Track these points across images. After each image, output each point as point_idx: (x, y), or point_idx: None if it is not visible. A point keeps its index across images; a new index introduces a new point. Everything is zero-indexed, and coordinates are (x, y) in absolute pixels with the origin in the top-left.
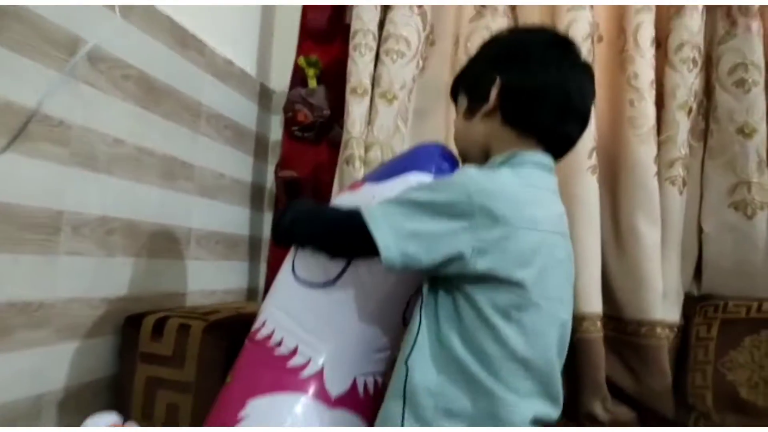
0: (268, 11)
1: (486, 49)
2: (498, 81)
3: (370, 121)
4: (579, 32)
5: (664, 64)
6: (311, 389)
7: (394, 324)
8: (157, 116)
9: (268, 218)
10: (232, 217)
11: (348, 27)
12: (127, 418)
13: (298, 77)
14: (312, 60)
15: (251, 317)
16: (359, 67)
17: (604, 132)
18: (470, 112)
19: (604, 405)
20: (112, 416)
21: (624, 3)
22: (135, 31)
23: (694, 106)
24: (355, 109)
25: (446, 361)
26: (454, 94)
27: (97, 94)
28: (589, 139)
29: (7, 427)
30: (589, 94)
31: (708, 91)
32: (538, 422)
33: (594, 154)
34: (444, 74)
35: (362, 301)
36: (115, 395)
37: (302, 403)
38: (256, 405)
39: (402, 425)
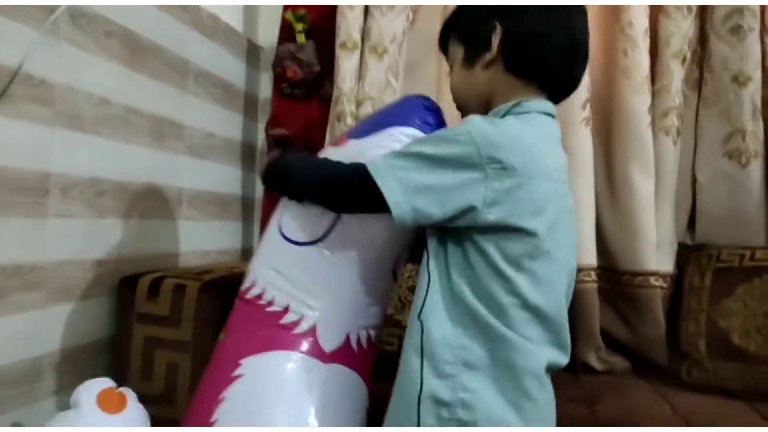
0: None
1: None
2: (499, 28)
3: (360, 76)
4: None
5: (658, 12)
6: (304, 346)
7: (385, 278)
8: (143, 75)
9: (259, 177)
10: (224, 177)
11: None
12: (125, 379)
13: (286, 32)
14: (300, 14)
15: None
16: (348, 20)
17: (598, 83)
18: (469, 62)
19: (599, 355)
20: (105, 381)
21: None
22: None
23: (689, 55)
24: (345, 64)
25: (460, 312)
26: (444, 44)
27: (79, 52)
28: (582, 90)
29: (9, 388)
30: (588, 36)
31: (702, 38)
32: (550, 369)
33: (588, 106)
34: (434, 26)
35: (352, 256)
36: (114, 356)
37: (296, 359)
38: (250, 364)
39: (422, 381)
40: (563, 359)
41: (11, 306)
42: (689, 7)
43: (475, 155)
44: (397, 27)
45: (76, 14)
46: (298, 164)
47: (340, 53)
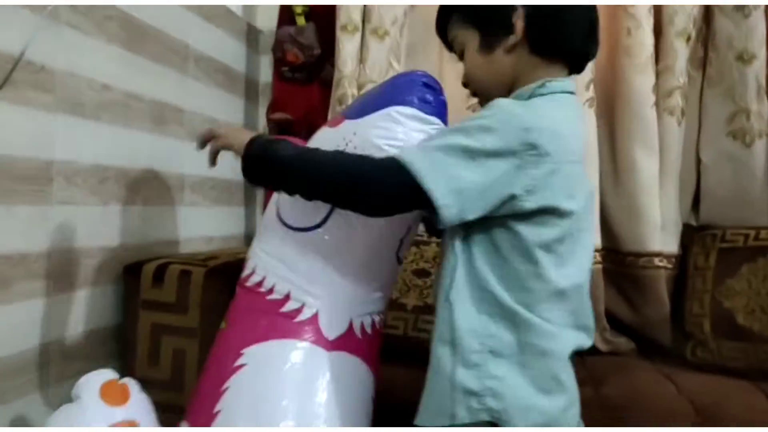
0: None
1: None
2: (521, 10)
3: (361, 59)
4: None
5: None
6: (307, 334)
7: (389, 262)
8: (144, 59)
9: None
10: (226, 163)
11: None
12: (132, 366)
13: (286, 15)
14: None
15: None
16: (349, 2)
17: (601, 63)
18: (487, 47)
19: (603, 336)
20: (107, 373)
21: None
22: None
23: (693, 33)
24: (346, 47)
25: (485, 299)
26: (442, 30)
27: (79, 37)
28: (586, 71)
29: (15, 377)
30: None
31: (707, 16)
32: (577, 352)
33: (591, 86)
34: (436, 7)
35: (352, 241)
36: (120, 343)
37: (299, 348)
38: (253, 353)
39: (453, 372)
40: (587, 342)
41: (18, 294)
42: None
43: (512, 143)
44: (398, 8)
45: None
46: (294, 156)
47: (340, 36)
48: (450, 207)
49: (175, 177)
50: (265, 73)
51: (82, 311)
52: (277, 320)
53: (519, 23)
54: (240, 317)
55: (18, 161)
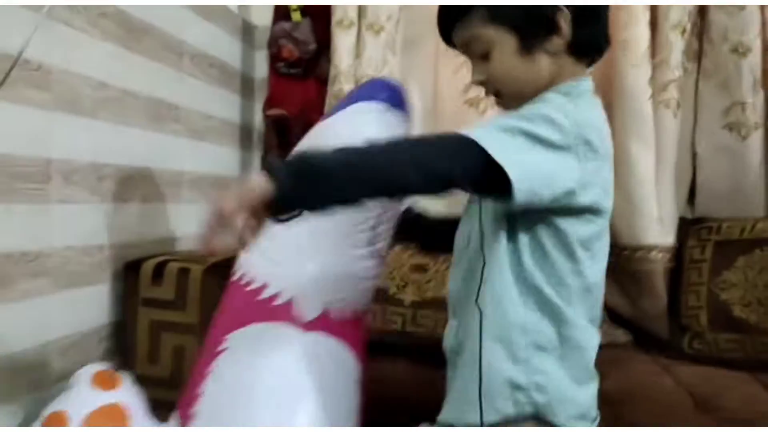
0: None
1: None
2: (566, 10)
3: (357, 54)
4: None
5: None
6: (284, 316)
7: (362, 249)
8: (139, 56)
9: (258, 159)
10: (223, 159)
11: None
12: (132, 363)
13: (281, 11)
14: None
15: None
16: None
17: None
18: (527, 50)
19: (601, 328)
20: (103, 365)
21: None
22: None
23: (689, 26)
24: (342, 42)
25: (531, 295)
26: (452, 26)
27: (74, 34)
28: None
29: (16, 375)
30: None
31: (702, 9)
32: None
33: None
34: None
35: (322, 231)
36: (120, 341)
37: (276, 329)
38: (234, 338)
39: (501, 367)
40: (598, 336)
41: (19, 293)
42: None
43: (570, 138)
44: (393, 4)
45: None
46: (341, 161)
47: (336, 31)
48: (521, 188)
49: (173, 174)
50: (261, 69)
51: (83, 309)
52: (256, 307)
53: (565, 24)
54: (225, 310)
55: (17, 160)
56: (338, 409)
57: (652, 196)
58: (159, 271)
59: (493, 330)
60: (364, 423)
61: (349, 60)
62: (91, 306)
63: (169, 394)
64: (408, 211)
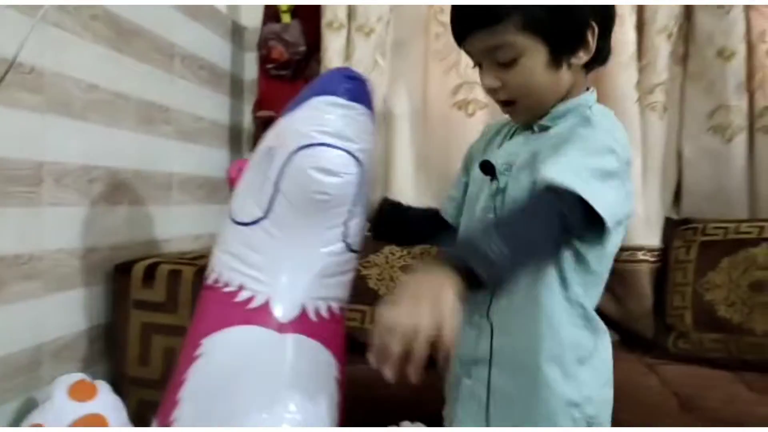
0: None
1: None
2: (595, 26)
3: (347, 56)
4: None
5: None
6: (259, 319)
7: (335, 245)
8: (130, 58)
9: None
10: (213, 161)
11: None
12: (123, 365)
13: (271, 12)
14: None
15: None
16: (334, 1)
17: None
18: (557, 63)
19: None
20: (77, 375)
21: None
22: None
23: (675, 30)
24: (332, 44)
25: (574, 309)
26: (462, 35)
27: (66, 37)
28: None
29: (8, 377)
30: None
31: (688, 13)
32: None
33: None
34: (421, 3)
35: (294, 229)
36: (112, 343)
37: (251, 332)
38: (209, 342)
39: (556, 385)
40: None
41: (11, 295)
42: None
43: (622, 161)
44: (384, 5)
45: None
46: (510, 251)
47: (326, 33)
48: (610, 226)
49: (163, 176)
50: (251, 70)
51: (74, 311)
52: (232, 310)
53: (593, 39)
54: (200, 314)
55: (9, 163)
56: (318, 409)
57: (639, 197)
58: (150, 273)
59: (550, 349)
60: (351, 423)
61: (338, 62)
62: (83, 308)
63: (160, 395)
64: (383, 202)
